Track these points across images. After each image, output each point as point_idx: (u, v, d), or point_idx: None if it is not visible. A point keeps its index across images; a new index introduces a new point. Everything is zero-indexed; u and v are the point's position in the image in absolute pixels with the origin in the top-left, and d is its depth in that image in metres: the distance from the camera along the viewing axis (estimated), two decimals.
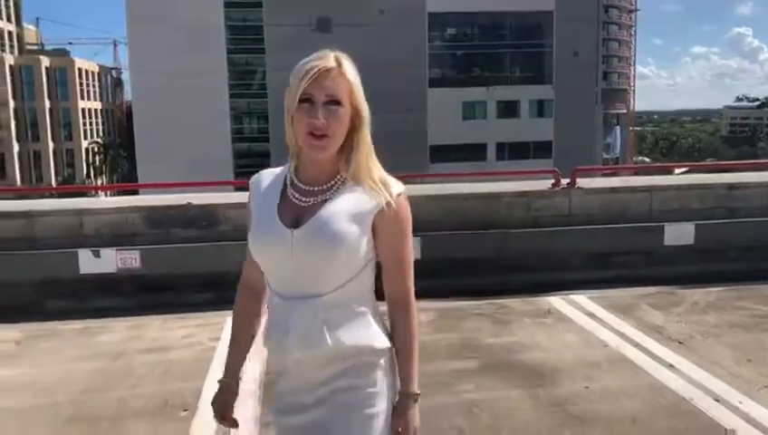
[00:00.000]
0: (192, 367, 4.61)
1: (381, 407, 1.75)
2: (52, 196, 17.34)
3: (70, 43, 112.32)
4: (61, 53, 69.65)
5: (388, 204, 1.72)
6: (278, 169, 1.84)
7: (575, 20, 47.42)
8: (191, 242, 6.28)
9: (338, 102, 1.68)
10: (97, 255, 6.00)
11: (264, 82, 51.42)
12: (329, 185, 1.74)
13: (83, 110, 65.48)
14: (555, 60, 49.62)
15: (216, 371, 4.56)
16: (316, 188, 1.75)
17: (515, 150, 48.06)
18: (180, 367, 4.64)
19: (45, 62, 62.36)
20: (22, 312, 5.95)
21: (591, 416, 3.72)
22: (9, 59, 60.36)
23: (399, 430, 1.74)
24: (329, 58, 1.69)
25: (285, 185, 1.78)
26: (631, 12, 68.41)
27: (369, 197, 1.73)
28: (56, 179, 57.67)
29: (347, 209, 1.72)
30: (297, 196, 1.75)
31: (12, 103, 59.38)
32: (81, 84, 65.14)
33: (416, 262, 1.82)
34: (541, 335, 5.07)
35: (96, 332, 5.44)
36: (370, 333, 1.76)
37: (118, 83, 79.45)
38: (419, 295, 1.82)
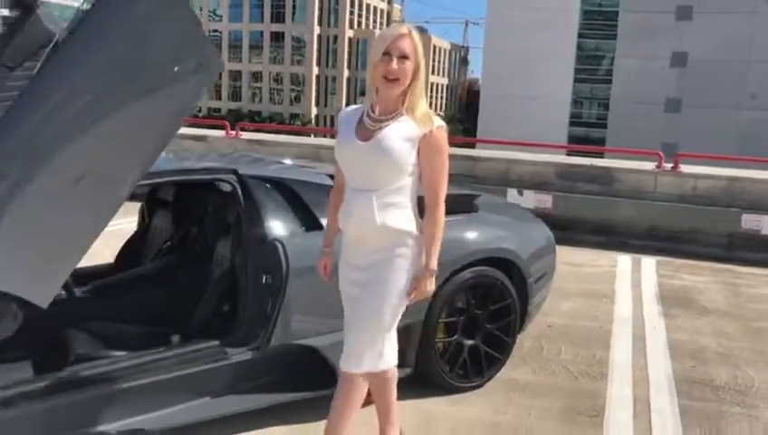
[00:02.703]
0: (602, 278, 6.32)
1: (407, 274, 2.50)
2: None
3: (426, 22, 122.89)
4: (420, 30, 76.79)
5: (429, 132, 2.42)
6: (357, 106, 2.60)
7: None
8: (591, 195, 7.97)
9: (406, 58, 2.40)
10: (521, 193, 8.02)
11: (611, 68, 51.08)
12: (391, 116, 2.45)
13: (432, 84, 71.93)
14: None
15: (622, 282, 6.21)
16: (383, 118, 2.45)
17: None
18: (592, 277, 6.37)
19: None
20: None
21: None
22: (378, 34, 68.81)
23: (413, 291, 2.50)
24: (403, 27, 2.45)
25: (362, 115, 2.51)
26: None
27: (416, 126, 2.42)
28: None
29: (399, 133, 2.42)
30: (369, 122, 2.46)
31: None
32: (433, 60, 71.60)
33: None
34: None
35: None
36: (407, 222, 2.47)
37: (463, 61, 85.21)
38: None
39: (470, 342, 3.66)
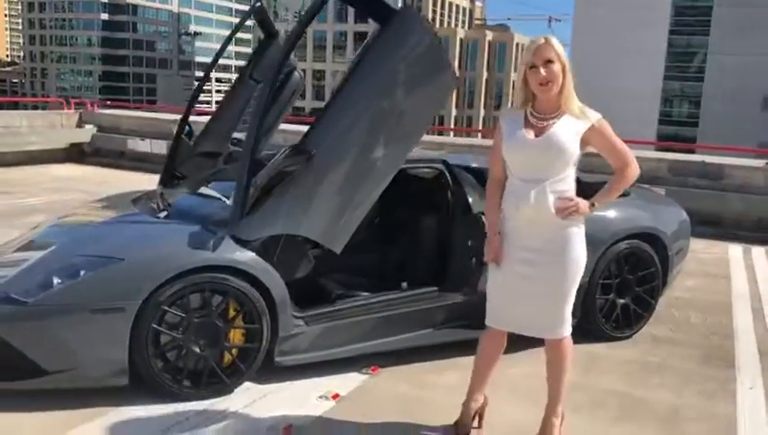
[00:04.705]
0: (716, 262, 7.08)
1: (582, 247, 2.86)
2: None
3: (508, 19, 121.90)
4: (502, 28, 76.51)
5: (593, 124, 2.77)
6: (515, 109, 2.90)
7: None
8: (701, 189, 8.62)
9: (551, 62, 2.72)
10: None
11: (703, 66, 50.00)
12: (555, 114, 2.79)
13: (513, 82, 71.64)
14: None
15: (735, 266, 6.92)
16: (547, 116, 2.80)
17: None
18: (708, 261, 7.09)
19: (489, 36, 69.24)
20: None
21: None
22: (460, 33, 68.82)
23: (565, 203, 2.76)
24: (541, 39, 2.77)
25: (526, 116, 2.84)
26: None
27: (579, 121, 2.77)
28: None
29: (567, 129, 2.76)
30: (535, 121, 2.81)
31: (456, 73, 68.14)
32: (516, 58, 71.19)
33: None
34: None
35: None
36: None
37: None
38: None
39: (622, 300, 4.56)
